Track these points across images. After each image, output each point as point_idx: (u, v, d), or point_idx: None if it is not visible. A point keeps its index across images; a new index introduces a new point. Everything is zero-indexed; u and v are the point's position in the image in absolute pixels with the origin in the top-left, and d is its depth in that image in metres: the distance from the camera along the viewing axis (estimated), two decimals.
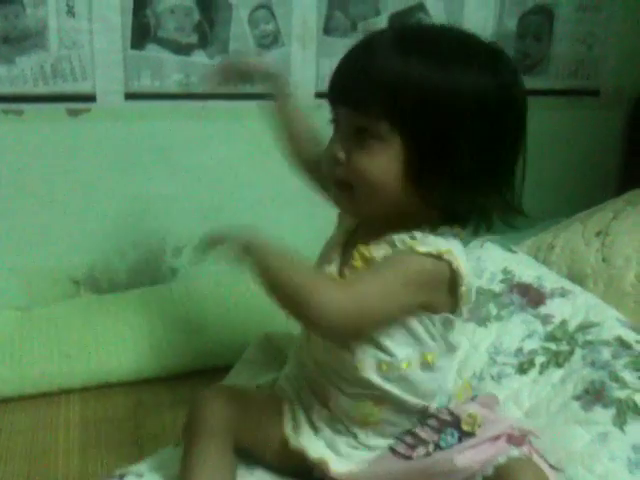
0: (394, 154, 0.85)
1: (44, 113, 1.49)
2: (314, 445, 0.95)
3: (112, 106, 1.52)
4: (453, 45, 0.87)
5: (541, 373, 1.10)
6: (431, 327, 0.90)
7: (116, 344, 1.41)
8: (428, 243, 0.86)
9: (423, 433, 0.92)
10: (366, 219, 0.94)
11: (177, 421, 1.24)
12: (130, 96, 1.53)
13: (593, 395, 1.03)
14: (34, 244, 1.55)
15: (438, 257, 0.86)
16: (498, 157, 0.88)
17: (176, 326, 1.46)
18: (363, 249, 0.90)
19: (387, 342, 0.89)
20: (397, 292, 0.86)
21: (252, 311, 1.50)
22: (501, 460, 0.85)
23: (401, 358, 0.90)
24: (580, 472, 0.94)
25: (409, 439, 0.93)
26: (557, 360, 1.12)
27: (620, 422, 0.99)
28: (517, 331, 1.18)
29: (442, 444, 0.90)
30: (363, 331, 0.88)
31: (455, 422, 0.91)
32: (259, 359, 1.26)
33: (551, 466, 0.92)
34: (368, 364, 0.90)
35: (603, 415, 1.00)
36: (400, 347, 0.90)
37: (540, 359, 1.12)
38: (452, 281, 0.87)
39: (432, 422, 0.93)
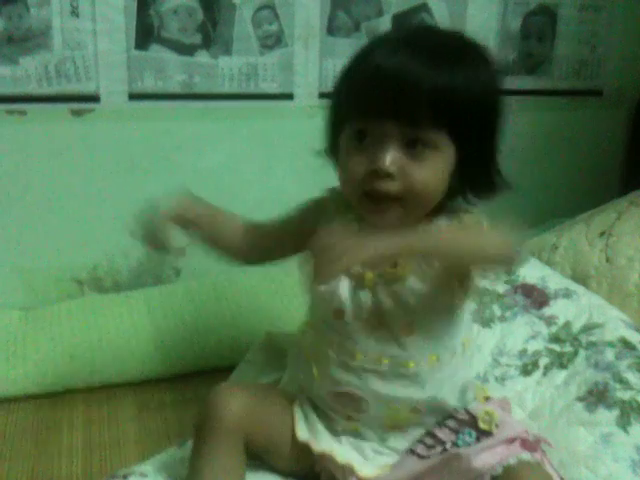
0: (449, 161, 0.87)
1: (48, 113, 1.49)
2: (339, 449, 0.95)
3: (116, 106, 1.53)
4: (470, 48, 0.90)
5: (545, 374, 1.11)
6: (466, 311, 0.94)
7: (119, 344, 1.41)
8: (464, 218, 0.92)
9: (441, 433, 0.93)
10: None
11: (181, 421, 1.24)
12: (134, 96, 1.53)
13: (597, 396, 1.03)
14: (37, 244, 1.55)
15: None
16: (498, 143, 0.93)
17: (179, 326, 1.46)
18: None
19: (433, 333, 0.91)
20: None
21: (255, 311, 1.50)
22: (511, 461, 0.86)
23: (451, 347, 0.92)
24: (584, 473, 0.94)
25: (428, 440, 0.94)
26: (561, 361, 1.12)
27: (624, 423, 0.99)
28: (521, 332, 1.18)
29: (459, 444, 0.91)
30: None
31: (472, 421, 0.92)
32: (262, 359, 1.26)
33: (560, 477, 0.92)
34: (420, 358, 0.91)
35: (607, 416, 1.00)
36: (453, 337, 0.93)
37: (544, 360, 1.12)
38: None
39: (450, 422, 0.93)
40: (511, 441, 0.88)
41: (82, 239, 1.58)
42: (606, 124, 1.96)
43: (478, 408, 0.93)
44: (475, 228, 0.92)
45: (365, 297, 0.90)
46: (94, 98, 1.50)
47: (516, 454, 0.87)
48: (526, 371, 1.12)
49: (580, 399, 1.04)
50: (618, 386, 1.04)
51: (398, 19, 1.65)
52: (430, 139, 0.85)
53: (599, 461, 0.95)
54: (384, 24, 1.65)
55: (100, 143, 1.54)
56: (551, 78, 1.87)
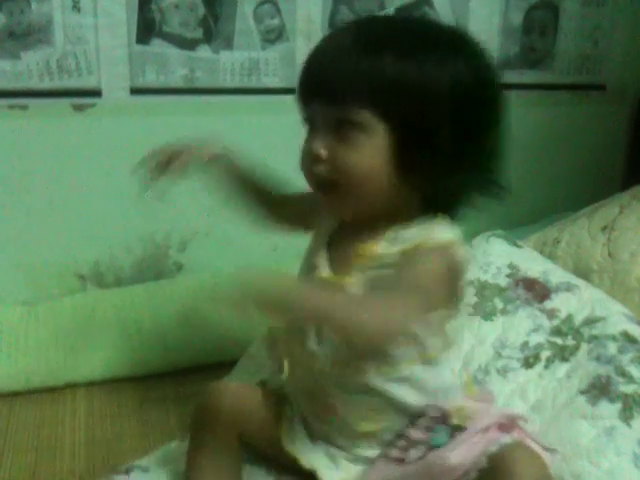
0: (379, 143, 0.83)
1: (49, 108, 1.49)
2: (309, 453, 0.94)
3: (117, 101, 1.52)
4: (419, 32, 0.88)
5: (547, 367, 1.10)
6: (430, 322, 0.88)
7: (122, 339, 1.41)
8: (434, 235, 0.85)
9: (414, 434, 0.90)
10: (353, 217, 0.91)
11: (183, 415, 1.24)
12: (135, 91, 1.53)
13: (599, 390, 1.03)
14: (39, 239, 1.55)
15: (445, 247, 0.85)
16: (477, 137, 0.86)
17: (181, 321, 1.46)
18: (360, 247, 0.88)
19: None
20: (429, 297, 0.83)
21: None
22: (493, 449, 0.84)
23: (402, 356, 0.88)
24: (586, 467, 0.94)
25: (401, 442, 0.91)
26: (563, 354, 1.11)
27: (626, 417, 0.99)
28: (523, 325, 1.18)
29: (433, 442, 0.88)
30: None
31: (444, 417, 0.89)
32: (263, 354, 1.26)
33: (544, 448, 0.90)
34: (369, 367, 0.88)
35: (609, 410, 1.00)
36: (402, 346, 0.88)
37: (546, 353, 1.12)
38: (455, 272, 0.86)
39: (422, 421, 0.91)
40: (486, 429, 0.87)
41: (84, 234, 1.58)
42: (609, 119, 1.96)
43: (449, 404, 0.91)
44: (360, 299, 0.84)
45: None
46: (96, 93, 1.50)
47: (496, 440, 0.85)
48: (528, 364, 1.12)
49: (582, 392, 1.04)
50: (621, 379, 1.03)
51: (400, 13, 1.65)
52: (356, 119, 0.83)
53: (601, 454, 0.94)
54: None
55: (102, 138, 1.54)
56: (553, 73, 1.87)
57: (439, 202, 0.88)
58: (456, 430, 0.88)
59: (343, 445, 0.94)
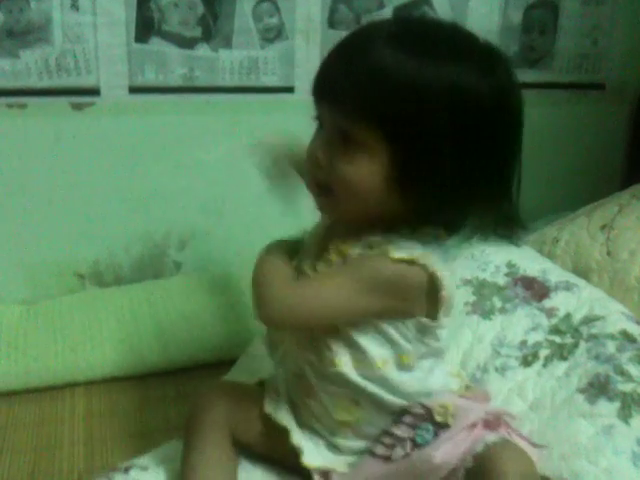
0: (379, 161, 0.81)
1: (48, 107, 1.49)
2: (296, 431, 0.94)
3: (116, 100, 1.53)
4: (447, 44, 0.82)
5: (545, 366, 1.10)
6: (404, 330, 0.88)
7: (120, 338, 1.41)
8: (403, 247, 0.84)
9: (399, 431, 0.90)
10: (343, 219, 0.91)
11: (182, 414, 1.23)
12: (134, 90, 1.53)
13: (598, 388, 1.03)
14: (39, 238, 1.55)
15: (411, 262, 0.84)
16: (489, 164, 0.83)
17: (180, 320, 1.47)
18: (340, 244, 0.89)
19: (360, 340, 0.88)
20: (350, 297, 0.85)
21: None
22: (479, 449, 0.83)
23: (374, 356, 0.88)
24: (584, 465, 0.94)
25: (386, 439, 0.91)
26: (561, 353, 1.11)
27: (625, 415, 0.98)
28: (521, 324, 1.18)
29: (418, 440, 0.88)
30: (314, 325, 0.90)
31: (428, 415, 0.89)
32: (263, 353, 1.26)
33: (531, 443, 0.90)
34: (344, 360, 0.89)
35: (608, 408, 1.00)
36: (373, 346, 0.88)
37: (544, 352, 1.12)
38: (430, 285, 0.85)
39: (406, 418, 0.90)
40: (472, 427, 0.86)
41: (83, 233, 1.59)
42: (608, 117, 1.96)
43: (433, 401, 0.90)
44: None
45: None
46: (94, 92, 1.50)
47: (481, 438, 0.85)
48: (526, 362, 1.11)
49: (581, 391, 1.04)
50: (619, 378, 1.03)
51: (399, 12, 1.65)
52: (359, 135, 0.81)
53: (600, 453, 0.94)
54: (385, 17, 1.64)
55: (100, 137, 1.54)
56: (553, 71, 1.87)
57: (432, 215, 0.87)
58: (440, 428, 0.88)
59: (321, 432, 0.94)
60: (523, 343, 1.15)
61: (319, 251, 0.92)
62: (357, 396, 0.91)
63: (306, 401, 0.94)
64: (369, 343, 0.88)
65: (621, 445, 0.95)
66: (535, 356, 1.12)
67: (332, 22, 1.63)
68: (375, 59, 0.80)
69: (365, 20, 1.64)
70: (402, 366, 0.89)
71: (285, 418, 0.95)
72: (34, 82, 1.46)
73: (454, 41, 0.83)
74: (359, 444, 0.93)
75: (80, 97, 1.50)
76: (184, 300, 1.52)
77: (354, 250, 0.87)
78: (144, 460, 1.02)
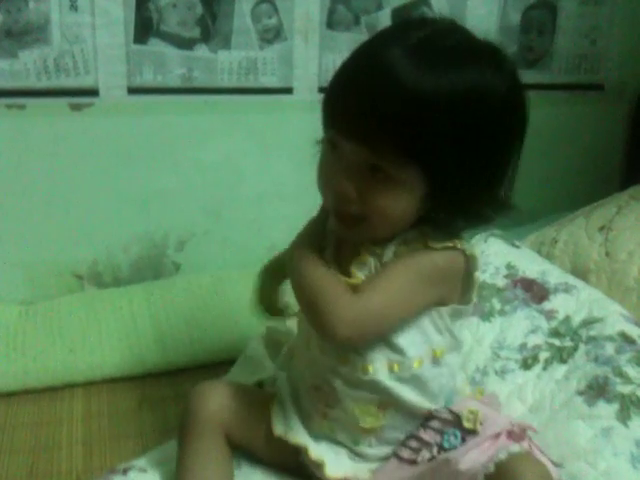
0: (414, 189, 0.81)
1: (47, 107, 1.49)
2: (314, 445, 0.94)
3: (115, 100, 1.52)
4: (466, 57, 0.80)
5: (545, 369, 1.10)
6: (438, 320, 0.89)
7: (119, 338, 1.41)
8: (438, 237, 0.86)
9: (426, 435, 0.91)
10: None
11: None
12: (133, 90, 1.53)
13: (597, 390, 1.03)
14: (37, 238, 1.55)
15: (453, 248, 0.85)
16: (504, 161, 0.85)
17: (179, 321, 1.47)
18: (370, 246, 0.88)
19: (400, 341, 0.88)
20: (414, 294, 0.85)
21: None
22: (502, 456, 0.84)
23: (412, 356, 0.89)
24: (583, 467, 0.94)
25: (413, 443, 0.92)
26: (561, 356, 1.11)
27: (623, 417, 0.99)
28: (521, 326, 1.18)
29: (445, 445, 0.89)
30: (378, 337, 0.88)
31: (456, 420, 0.90)
32: (262, 354, 1.26)
33: (551, 461, 0.91)
34: (379, 365, 0.88)
35: (606, 410, 1.00)
36: (412, 345, 0.88)
37: (544, 355, 1.12)
38: (466, 267, 0.88)
39: (434, 423, 0.91)
40: (496, 436, 0.87)
41: (82, 234, 1.59)
42: (607, 118, 1.96)
43: (461, 406, 0.91)
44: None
45: None
46: (93, 92, 1.50)
47: (505, 448, 0.85)
48: (526, 365, 1.12)
49: (580, 393, 1.04)
50: (618, 380, 1.03)
51: (398, 13, 1.65)
52: (392, 170, 0.79)
53: (599, 455, 0.94)
54: (384, 18, 1.65)
55: (99, 137, 1.54)
56: (551, 72, 1.87)
57: (457, 212, 0.87)
58: (468, 434, 0.88)
59: (344, 441, 0.94)
60: (523, 346, 1.15)
61: (339, 251, 0.91)
62: (387, 401, 0.91)
63: (326, 411, 0.94)
64: (408, 343, 0.88)
65: (620, 447, 0.95)
66: (535, 359, 1.12)
67: (331, 23, 1.63)
68: (408, 89, 0.76)
69: (364, 21, 1.64)
70: (435, 360, 0.90)
71: (299, 436, 0.94)
72: (33, 83, 1.46)
73: (471, 51, 0.81)
74: (383, 450, 0.94)
75: (79, 98, 1.50)
76: (183, 301, 1.52)
77: (389, 249, 0.87)
78: (142, 461, 1.02)
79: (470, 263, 0.87)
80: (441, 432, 0.90)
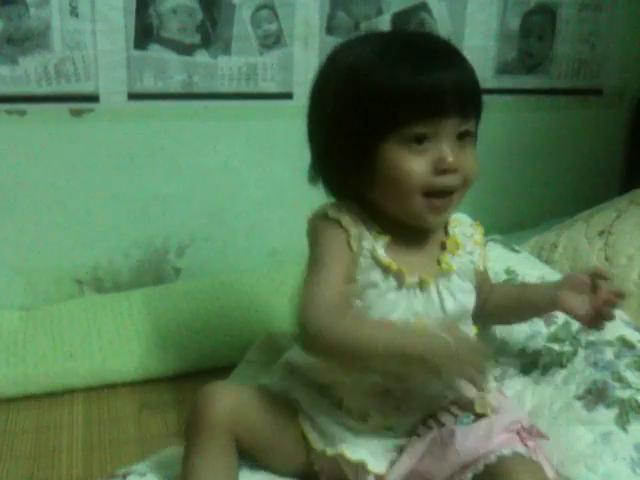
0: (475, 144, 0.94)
1: (47, 113, 1.49)
2: (348, 448, 0.94)
3: (115, 106, 1.53)
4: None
5: (544, 374, 1.10)
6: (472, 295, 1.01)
7: (120, 344, 1.41)
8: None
9: (443, 418, 0.94)
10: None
11: (181, 421, 1.24)
12: (133, 96, 1.53)
13: (596, 395, 1.03)
14: (38, 244, 1.56)
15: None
16: None
17: (179, 326, 1.47)
18: (444, 255, 0.96)
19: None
20: None
21: (255, 311, 1.50)
22: (506, 452, 0.85)
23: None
24: (583, 472, 0.93)
25: (430, 422, 0.94)
26: (560, 361, 1.11)
27: (623, 422, 0.98)
28: (520, 331, 1.18)
29: (458, 424, 0.91)
30: None
31: (470, 405, 0.92)
32: (262, 359, 1.26)
33: (554, 469, 0.91)
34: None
35: (606, 415, 1.00)
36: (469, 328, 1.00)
37: (543, 360, 1.12)
38: None
39: (452, 408, 0.94)
40: (510, 430, 0.88)
41: (82, 239, 1.59)
42: (606, 123, 1.97)
43: (472, 393, 0.92)
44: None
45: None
46: (94, 98, 1.51)
47: (511, 446, 0.86)
48: (525, 370, 1.12)
49: (579, 398, 1.04)
50: (617, 385, 1.03)
51: (397, 18, 1.66)
52: (472, 129, 0.92)
53: (598, 460, 0.94)
54: (383, 23, 1.65)
55: (100, 143, 1.54)
56: (551, 77, 1.87)
57: None
58: (480, 418, 0.91)
59: (401, 431, 0.95)
60: (522, 351, 1.15)
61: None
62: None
63: (390, 412, 0.95)
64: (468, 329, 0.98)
65: (619, 452, 0.95)
66: (534, 364, 1.12)
67: (330, 28, 1.63)
68: (462, 56, 0.93)
69: (364, 26, 1.64)
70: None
71: (358, 452, 0.94)
72: (33, 88, 1.46)
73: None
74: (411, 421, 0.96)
75: (79, 103, 1.50)
76: (183, 306, 1.52)
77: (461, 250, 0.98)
78: (142, 466, 1.02)
79: None
80: (456, 415, 0.93)
